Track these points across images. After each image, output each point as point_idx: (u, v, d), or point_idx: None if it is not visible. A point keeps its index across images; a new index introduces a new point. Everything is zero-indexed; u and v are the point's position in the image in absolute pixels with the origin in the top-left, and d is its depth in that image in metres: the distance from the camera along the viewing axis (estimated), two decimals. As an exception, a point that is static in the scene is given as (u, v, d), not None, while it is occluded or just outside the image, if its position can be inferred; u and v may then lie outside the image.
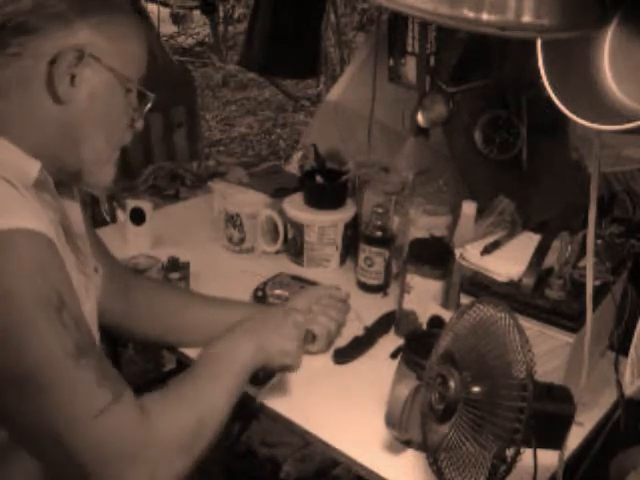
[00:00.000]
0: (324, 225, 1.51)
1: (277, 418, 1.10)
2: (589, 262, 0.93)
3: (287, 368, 1.08)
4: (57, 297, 0.78)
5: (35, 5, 0.84)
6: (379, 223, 1.42)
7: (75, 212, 1.00)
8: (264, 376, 1.08)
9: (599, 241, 1.15)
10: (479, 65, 1.47)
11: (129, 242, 1.57)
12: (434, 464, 0.86)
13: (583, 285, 0.96)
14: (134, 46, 0.93)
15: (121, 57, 0.90)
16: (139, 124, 0.98)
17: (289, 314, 1.11)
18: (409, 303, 1.28)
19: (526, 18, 0.71)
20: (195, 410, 0.89)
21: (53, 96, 0.86)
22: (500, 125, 1.50)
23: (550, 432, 0.84)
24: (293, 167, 1.90)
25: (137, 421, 0.81)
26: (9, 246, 0.76)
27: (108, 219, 1.89)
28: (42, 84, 0.85)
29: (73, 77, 0.86)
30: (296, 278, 1.44)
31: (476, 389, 0.83)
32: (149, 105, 0.97)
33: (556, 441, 0.86)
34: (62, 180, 0.92)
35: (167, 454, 0.83)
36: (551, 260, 1.11)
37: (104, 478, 0.79)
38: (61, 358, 0.77)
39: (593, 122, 0.76)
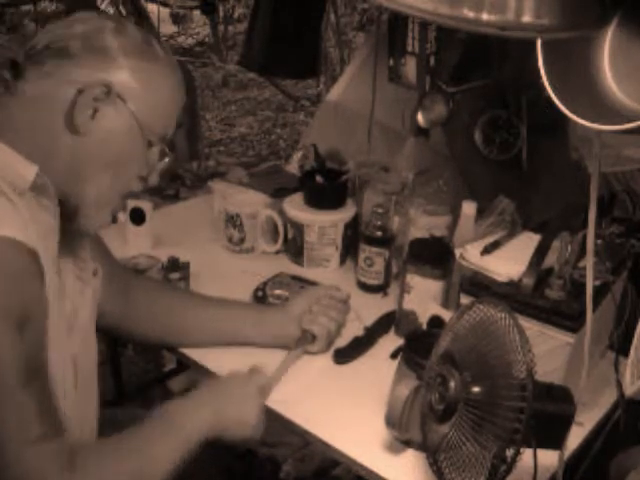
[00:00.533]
0: (324, 225, 1.51)
1: (277, 418, 1.10)
2: (589, 262, 0.93)
3: (247, 439, 1.04)
4: (23, 314, 0.77)
5: (84, 35, 0.86)
6: (379, 223, 1.42)
7: None
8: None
9: (599, 241, 1.15)
10: (479, 65, 1.47)
11: (129, 242, 1.57)
12: (434, 464, 0.86)
13: (583, 285, 0.96)
14: (166, 102, 0.93)
15: (150, 108, 0.90)
16: (153, 179, 0.97)
17: (251, 380, 1.06)
18: (409, 303, 1.28)
19: (526, 18, 0.71)
20: (128, 468, 0.87)
21: (69, 123, 0.86)
22: (500, 125, 1.49)
23: (550, 432, 0.84)
24: (293, 167, 1.90)
25: (63, 466, 0.79)
26: None
27: (108, 219, 1.88)
28: (63, 109, 0.85)
29: (95, 111, 0.86)
30: (296, 278, 1.44)
31: (476, 389, 0.83)
32: (166, 162, 0.96)
33: (556, 441, 0.86)
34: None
35: None
36: (551, 260, 1.11)
37: None
38: (10, 375, 0.76)
39: (593, 122, 0.76)
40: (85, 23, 0.88)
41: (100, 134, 0.87)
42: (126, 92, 0.88)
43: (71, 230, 0.95)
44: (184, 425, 0.95)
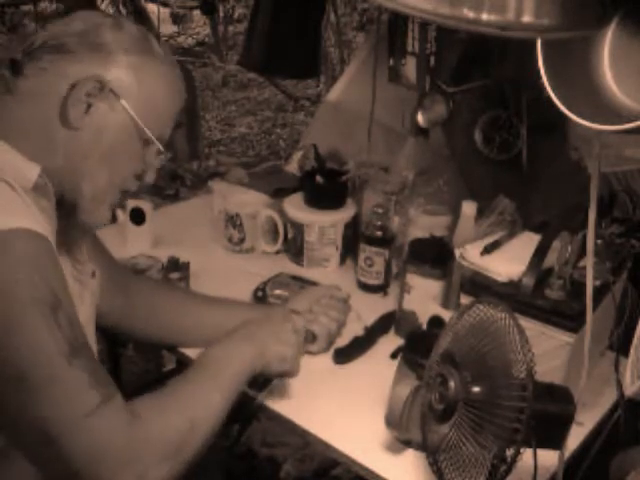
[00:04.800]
0: (324, 225, 1.51)
1: (277, 418, 1.10)
2: (589, 262, 0.93)
3: (286, 374, 1.07)
4: (53, 296, 0.78)
5: (82, 31, 0.87)
6: (379, 223, 1.42)
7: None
8: (263, 381, 1.07)
9: (599, 241, 1.15)
10: (479, 65, 1.47)
11: (129, 242, 1.57)
12: (434, 464, 0.86)
13: (583, 285, 0.96)
14: (163, 101, 0.93)
15: (146, 106, 0.90)
16: (149, 178, 0.97)
17: (288, 319, 1.10)
18: (409, 303, 1.28)
19: (526, 18, 0.71)
20: (187, 413, 0.88)
21: (63, 118, 0.86)
22: (500, 125, 1.49)
23: (550, 432, 0.84)
24: (293, 167, 1.90)
25: (126, 423, 0.81)
26: (8, 245, 0.76)
27: (108, 219, 1.89)
28: (57, 104, 0.86)
29: (89, 106, 0.86)
30: (296, 278, 1.44)
31: (476, 389, 0.83)
32: (162, 161, 0.96)
33: (556, 441, 0.86)
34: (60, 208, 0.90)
35: (157, 456, 0.82)
36: (551, 260, 1.11)
37: (94, 478, 0.78)
38: (54, 356, 0.77)
39: (593, 122, 0.76)
40: (84, 21, 0.88)
41: (93, 129, 0.88)
42: (121, 88, 0.88)
43: (68, 231, 0.95)
44: (231, 367, 0.97)
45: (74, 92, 0.85)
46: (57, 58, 0.86)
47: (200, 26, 6.88)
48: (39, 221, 0.81)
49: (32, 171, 0.84)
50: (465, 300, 1.12)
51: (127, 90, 0.88)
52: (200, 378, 0.95)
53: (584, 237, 0.98)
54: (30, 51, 0.87)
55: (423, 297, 1.26)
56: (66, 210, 0.91)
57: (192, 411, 0.88)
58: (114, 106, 0.88)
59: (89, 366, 0.80)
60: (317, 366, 1.20)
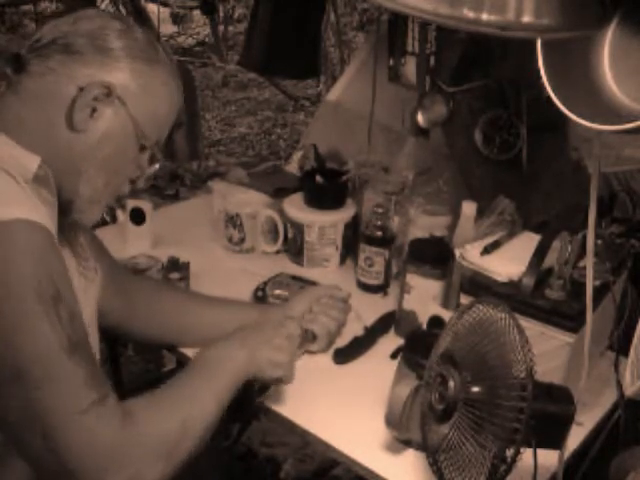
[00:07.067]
0: (324, 225, 1.51)
1: (277, 418, 1.10)
2: (589, 262, 0.93)
3: (279, 380, 1.07)
4: (54, 289, 0.78)
5: (90, 33, 0.88)
6: (379, 223, 1.42)
7: None
8: (260, 387, 1.07)
9: (599, 241, 1.15)
10: (479, 65, 1.47)
11: (129, 242, 1.57)
12: (434, 464, 0.86)
13: (583, 285, 0.96)
14: (164, 108, 0.94)
15: (147, 112, 0.91)
16: (140, 183, 0.99)
17: (283, 324, 1.10)
18: (409, 303, 1.28)
19: (526, 18, 0.71)
20: (181, 415, 0.88)
21: (68, 120, 0.87)
22: (500, 125, 1.49)
23: (550, 432, 0.84)
24: (293, 167, 1.90)
25: (121, 423, 0.81)
26: (9, 237, 0.76)
27: (108, 219, 1.89)
28: (63, 105, 0.87)
29: (94, 110, 0.87)
30: (296, 278, 1.44)
31: (476, 389, 0.83)
32: (156, 168, 0.98)
33: (556, 441, 0.86)
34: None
35: (149, 458, 0.82)
36: (551, 260, 1.11)
37: (85, 477, 0.78)
38: (54, 351, 0.77)
39: (593, 122, 0.76)
40: (91, 21, 0.89)
41: (97, 133, 0.89)
42: (126, 94, 0.89)
43: (67, 226, 0.96)
44: (225, 368, 0.97)
45: (82, 95, 0.86)
46: (66, 59, 0.86)
47: (200, 26, 6.87)
48: (40, 212, 0.81)
49: (32, 162, 0.84)
50: (465, 300, 1.12)
51: (131, 96, 0.89)
52: (193, 381, 0.95)
53: (584, 237, 0.98)
54: (36, 47, 0.87)
55: (423, 297, 1.26)
56: (62, 206, 0.91)
57: (185, 413, 0.88)
58: (118, 112, 0.89)
59: (87, 363, 0.80)
60: (317, 366, 1.21)
